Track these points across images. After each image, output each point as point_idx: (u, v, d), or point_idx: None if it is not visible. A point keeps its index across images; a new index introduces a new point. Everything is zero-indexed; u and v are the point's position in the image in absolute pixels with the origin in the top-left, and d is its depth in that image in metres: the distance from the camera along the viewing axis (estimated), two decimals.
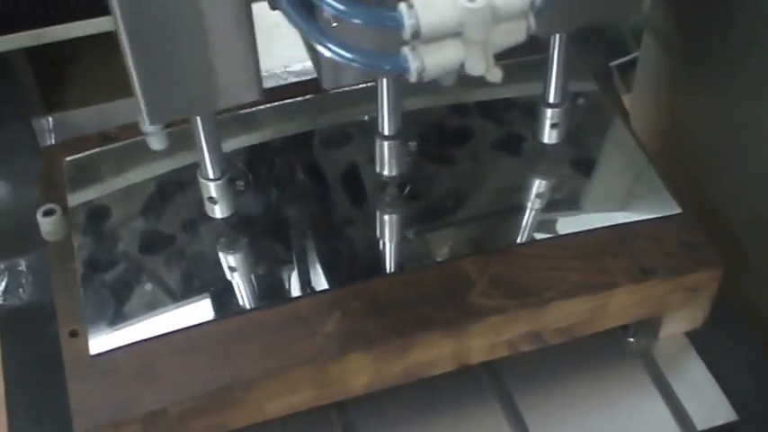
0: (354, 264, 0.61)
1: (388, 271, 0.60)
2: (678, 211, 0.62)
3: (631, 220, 0.62)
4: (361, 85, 0.57)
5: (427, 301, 0.57)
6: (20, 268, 0.67)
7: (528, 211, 0.64)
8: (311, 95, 0.70)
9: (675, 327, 0.63)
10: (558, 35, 0.58)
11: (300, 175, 0.66)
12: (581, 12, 0.53)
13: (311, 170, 0.66)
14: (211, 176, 0.57)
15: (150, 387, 0.53)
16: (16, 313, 0.65)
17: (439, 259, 0.60)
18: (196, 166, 0.57)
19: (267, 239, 0.62)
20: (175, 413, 0.53)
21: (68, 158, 0.67)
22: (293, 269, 0.60)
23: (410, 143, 0.63)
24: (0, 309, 0.65)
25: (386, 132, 0.58)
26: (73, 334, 0.56)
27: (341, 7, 0.39)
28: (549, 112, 0.62)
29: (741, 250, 0.69)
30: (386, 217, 0.63)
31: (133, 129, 0.62)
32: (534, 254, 0.60)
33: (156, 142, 0.60)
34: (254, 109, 0.69)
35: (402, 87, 0.56)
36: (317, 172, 0.66)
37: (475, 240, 0.62)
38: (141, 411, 0.53)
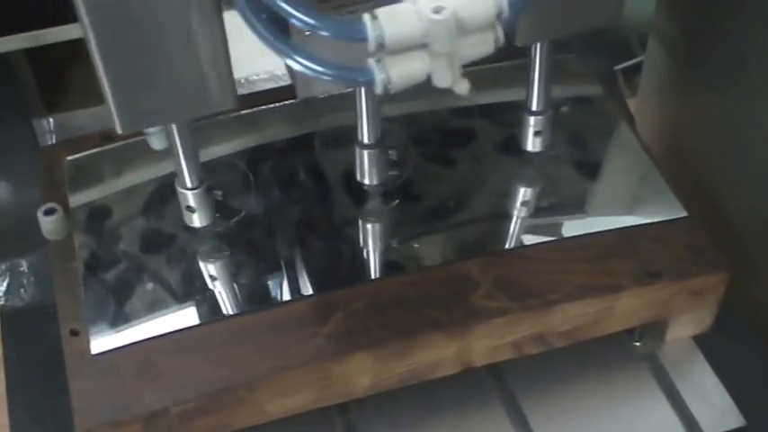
0: (357, 264, 0.61)
1: (390, 272, 0.60)
2: (684, 214, 0.62)
3: (637, 223, 0.61)
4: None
5: (430, 302, 0.57)
6: (21, 269, 0.67)
7: (532, 214, 0.63)
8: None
9: (682, 330, 0.62)
10: (539, 44, 0.58)
11: (303, 175, 0.66)
12: (559, 22, 0.53)
13: (314, 170, 0.66)
14: (189, 185, 0.57)
15: (151, 386, 0.53)
16: (18, 314, 0.64)
17: (442, 261, 0.60)
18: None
19: (270, 240, 0.62)
20: (177, 413, 0.53)
21: (69, 158, 0.67)
22: (296, 270, 0.60)
23: (390, 151, 0.63)
24: (1, 309, 0.65)
25: (365, 141, 0.58)
26: (74, 333, 0.56)
27: (307, 20, 0.39)
28: (532, 119, 0.62)
29: (746, 253, 0.69)
30: (389, 218, 0.62)
31: None
32: (539, 256, 0.59)
33: (157, 142, 0.60)
34: (257, 109, 0.69)
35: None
36: (320, 172, 0.66)
37: (479, 242, 0.61)
38: (142, 411, 0.52)
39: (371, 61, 0.39)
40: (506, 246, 0.61)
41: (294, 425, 0.57)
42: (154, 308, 0.57)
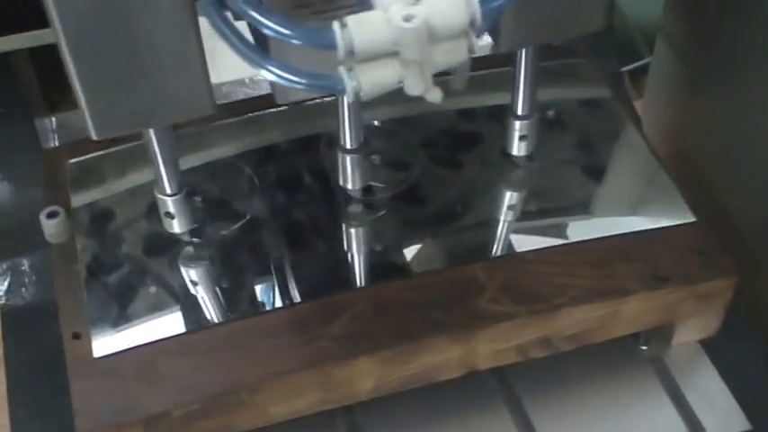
0: (362, 268, 0.60)
1: (395, 275, 0.59)
2: (692, 218, 0.61)
3: (644, 226, 0.61)
4: None
5: (436, 305, 0.56)
6: (23, 268, 0.67)
7: (539, 217, 0.63)
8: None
9: (688, 335, 0.62)
10: (524, 49, 0.58)
11: (307, 177, 0.65)
12: (542, 29, 0.53)
13: (318, 172, 0.66)
14: (168, 191, 0.56)
15: (153, 389, 0.53)
16: (19, 313, 0.64)
17: (448, 264, 0.59)
18: (200, 170, 0.57)
19: (274, 242, 0.61)
20: (178, 416, 0.53)
21: (72, 160, 0.67)
22: (300, 273, 0.59)
23: (373, 156, 0.63)
24: (2, 308, 0.65)
25: (347, 146, 0.58)
26: (76, 336, 0.56)
27: (275, 27, 0.39)
28: (517, 124, 0.62)
29: (753, 255, 0.68)
30: (394, 221, 0.62)
31: None
32: (545, 260, 0.59)
33: None
34: (265, 112, 0.69)
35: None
36: (324, 174, 0.65)
37: (485, 246, 0.61)
38: (144, 414, 0.52)
39: (342, 69, 0.39)
40: (513, 249, 0.60)
41: (297, 427, 0.56)
42: (156, 311, 0.57)
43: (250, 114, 0.69)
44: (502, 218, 0.63)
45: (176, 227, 0.59)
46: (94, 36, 0.43)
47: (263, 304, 0.58)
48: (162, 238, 0.61)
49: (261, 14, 0.39)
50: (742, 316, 0.62)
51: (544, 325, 0.57)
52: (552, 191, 0.64)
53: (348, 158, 0.59)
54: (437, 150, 0.67)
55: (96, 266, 0.60)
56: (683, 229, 0.61)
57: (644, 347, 0.63)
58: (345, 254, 0.61)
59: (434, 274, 0.58)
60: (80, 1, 0.42)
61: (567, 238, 0.61)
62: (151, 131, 0.53)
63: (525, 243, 0.61)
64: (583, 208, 0.63)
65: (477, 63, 0.63)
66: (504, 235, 0.62)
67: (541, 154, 0.66)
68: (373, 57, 0.38)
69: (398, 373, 0.56)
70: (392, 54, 0.39)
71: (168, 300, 0.58)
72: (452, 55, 0.39)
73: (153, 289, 0.59)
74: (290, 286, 0.59)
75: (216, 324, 0.57)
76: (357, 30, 0.38)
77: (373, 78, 0.39)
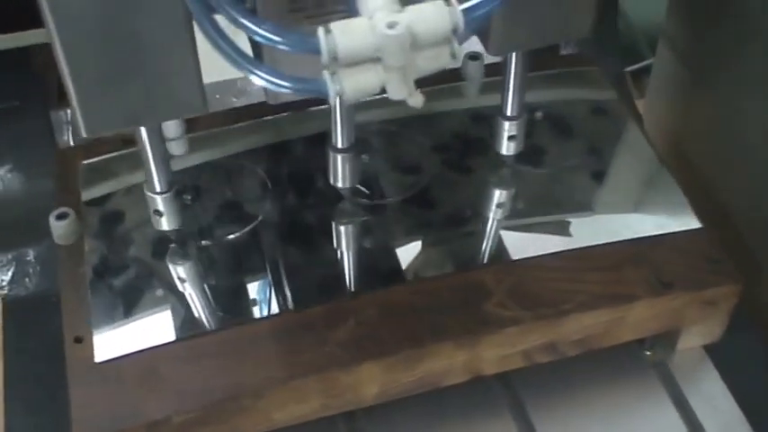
0: (367, 272, 0.60)
1: (401, 280, 0.59)
2: (697, 224, 0.61)
3: (651, 232, 0.61)
4: None
5: (442, 310, 0.56)
6: (28, 258, 0.67)
7: (547, 222, 0.63)
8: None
9: (693, 340, 0.62)
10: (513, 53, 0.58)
11: (317, 181, 0.64)
12: (531, 34, 0.53)
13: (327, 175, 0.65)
14: (158, 190, 0.56)
15: (154, 395, 0.52)
16: (21, 303, 0.64)
17: (455, 269, 0.59)
18: (208, 171, 0.56)
19: (280, 247, 0.61)
20: (179, 422, 0.52)
21: (85, 162, 0.66)
22: (305, 277, 0.59)
23: (363, 156, 0.63)
24: (5, 298, 0.64)
25: (339, 145, 0.57)
26: (78, 340, 0.55)
27: (264, 33, 0.39)
28: (506, 124, 0.62)
29: (753, 256, 0.68)
30: (401, 226, 0.62)
31: None
32: (552, 265, 0.58)
33: (177, 147, 0.59)
34: (277, 116, 0.69)
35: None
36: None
37: (492, 251, 0.61)
38: (144, 420, 0.51)
39: (326, 73, 0.40)
40: (520, 255, 0.60)
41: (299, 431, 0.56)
42: (159, 316, 0.56)
43: (257, 119, 0.69)
44: (509, 223, 0.63)
45: (164, 224, 0.58)
46: (87, 35, 0.43)
47: (266, 309, 0.57)
48: (167, 243, 0.60)
49: (248, 20, 0.39)
50: (746, 322, 0.62)
51: (550, 330, 0.56)
52: (560, 196, 0.64)
53: (339, 158, 0.59)
54: (446, 155, 0.66)
55: (102, 270, 0.59)
56: (689, 235, 0.61)
57: (648, 352, 0.63)
58: (350, 258, 0.61)
59: (442, 278, 0.58)
60: (73, 0, 0.42)
61: (574, 243, 0.60)
62: (142, 129, 0.52)
63: (532, 248, 0.60)
64: (589, 213, 0.63)
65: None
66: (510, 240, 0.61)
67: (550, 159, 0.66)
68: (357, 62, 0.39)
69: (404, 378, 0.55)
70: (376, 59, 0.39)
71: (171, 304, 0.57)
72: (435, 61, 0.40)
73: (157, 294, 0.58)
74: (295, 291, 0.58)
75: (219, 329, 0.56)
76: (341, 36, 0.39)
77: (356, 83, 0.40)
